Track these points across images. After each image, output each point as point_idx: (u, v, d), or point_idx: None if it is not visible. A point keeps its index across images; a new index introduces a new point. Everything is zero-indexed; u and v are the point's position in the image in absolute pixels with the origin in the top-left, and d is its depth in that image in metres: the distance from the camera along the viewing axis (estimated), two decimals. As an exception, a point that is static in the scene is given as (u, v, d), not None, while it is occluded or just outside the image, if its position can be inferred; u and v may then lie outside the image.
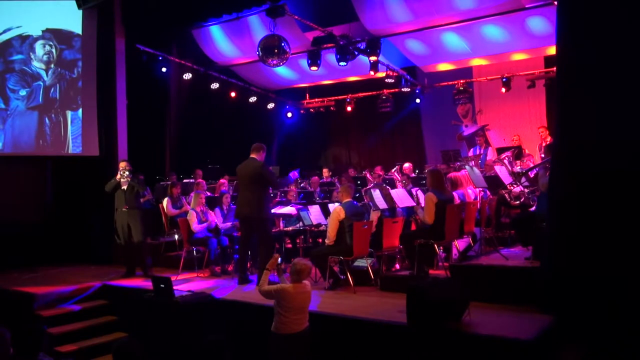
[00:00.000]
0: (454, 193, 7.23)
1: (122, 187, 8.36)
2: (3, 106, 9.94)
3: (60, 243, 10.04)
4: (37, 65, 10.03)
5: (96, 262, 9.65)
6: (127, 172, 8.21)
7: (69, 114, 10.24)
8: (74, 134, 10.22)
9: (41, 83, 10.04)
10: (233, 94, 13.28)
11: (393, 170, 10.36)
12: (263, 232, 7.26)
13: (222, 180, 10.66)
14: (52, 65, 10.14)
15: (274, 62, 9.29)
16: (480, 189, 7.47)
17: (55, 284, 7.92)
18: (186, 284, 7.66)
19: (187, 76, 12.08)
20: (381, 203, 7.49)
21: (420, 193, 7.64)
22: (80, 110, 10.28)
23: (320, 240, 8.62)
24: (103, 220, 9.87)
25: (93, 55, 10.25)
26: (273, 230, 8.12)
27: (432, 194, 6.74)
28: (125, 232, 8.34)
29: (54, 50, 10.09)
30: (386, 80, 12.28)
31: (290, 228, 8.77)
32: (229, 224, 8.79)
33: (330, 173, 12.78)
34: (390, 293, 6.54)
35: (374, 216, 7.53)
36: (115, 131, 10.18)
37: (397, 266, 7.46)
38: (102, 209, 9.92)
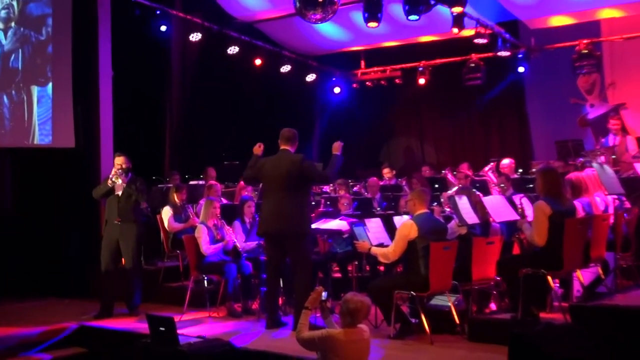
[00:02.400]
0: (575, 202, 7.14)
1: (117, 193, 8.59)
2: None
3: (23, 267, 10.18)
4: (-8, 23, 10.22)
5: (70, 294, 9.82)
6: (120, 178, 8.46)
7: (34, 90, 10.34)
8: (42, 118, 10.34)
9: None
10: (258, 62, 13.44)
11: (486, 168, 10.32)
12: (301, 255, 7.30)
13: (243, 184, 10.75)
14: (13, 24, 10.25)
15: (317, 16, 9.31)
16: (615, 196, 7.37)
17: (17, 323, 8.00)
18: (195, 326, 7.71)
19: (195, 37, 12.21)
20: (469, 215, 7.43)
21: (526, 202, 7.52)
22: (50, 85, 10.41)
23: (383, 268, 8.60)
24: (81, 237, 10.12)
25: (68, 9, 10.37)
26: (315, 252, 8.17)
27: (543, 204, 6.66)
28: (112, 252, 8.55)
29: (14, 3, 10.24)
30: (476, 40, 12.19)
31: (340, 250, 8.79)
32: (253, 244, 8.83)
33: (395, 172, 12.77)
34: (483, 345, 6.47)
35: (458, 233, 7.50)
36: (97, 114, 10.35)
37: (493, 306, 7.41)
38: (79, 221, 10.17)
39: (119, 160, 8.60)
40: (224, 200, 10.38)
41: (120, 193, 8.56)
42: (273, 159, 7.50)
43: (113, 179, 8.47)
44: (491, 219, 7.52)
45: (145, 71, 12.24)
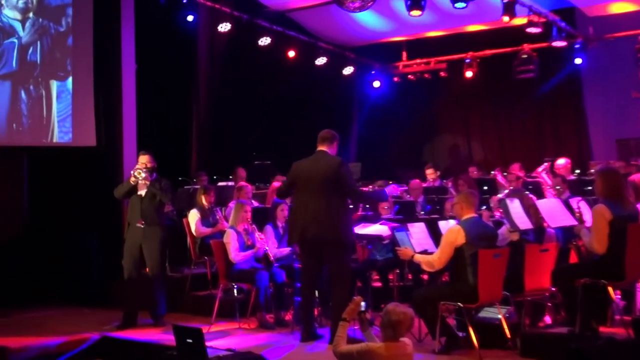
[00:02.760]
0: (638, 206, 7.06)
1: (139, 192, 8.63)
2: (-39, 75, 10.16)
3: (41, 273, 10.28)
4: (9, 14, 10.21)
5: (91, 302, 9.92)
6: (143, 172, 8.45)
7: (54, 85, 10.43)
8: (61, 115, 10.44)
9: (15, 40, 10.24)
10: (292, 54, 13.46)
11: (539, 169, 10.24)
12: (338, 263, 7.33)
13: (275, 184, 10.78)
14: (31, 15, 10.34)
15: (355, 4, 9.38)
16: (683, 199, 7.25)
17: (35, 333, 8.07)
18: (224, 338, 7.75)
19: (224, 27, 12.22)
20: (522, 220, 7.41)
21: (584, 205, 7.48)
22: (70, 79, 10.51)
23: (426, 277, 8.60)
24: (102, 241, 10.20)
25: (89, -1, 10.51)
26: (353, 260, 8.18)
27: (603, 207, 6.64)
28: (135, 258, 8.59)
29: (33, -8, 10.33)
30: (528, 30, 12.10)
31: (381, 257, 8.79)
32: (286, 251, 8.87)
33: (439, 173, 12.72)
34: (537, 361, 6.42)
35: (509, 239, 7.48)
36: (119, 110, 10.47)
37: (548, 319, 7.38)
38: (100, 224, 10.28)
39: (143, 159, 8.62)
40: (255, 203, 10.40)
41: (143, 193, 8.58)
42: (309, 160, 7.53)
43: (135, 174, 8.46)
44: (545, 224, 7.49)
45: (171, 64, 12.28)
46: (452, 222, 7.63)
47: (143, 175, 8.44)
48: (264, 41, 12.74)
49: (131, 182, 8.53)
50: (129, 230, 8.67)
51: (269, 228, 9.01)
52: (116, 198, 8.89)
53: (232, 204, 9.75)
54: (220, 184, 11.45)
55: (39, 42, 10.35)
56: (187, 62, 12.85)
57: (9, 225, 10.51)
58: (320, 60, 14.00)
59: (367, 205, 9.86)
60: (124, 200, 9.01)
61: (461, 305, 6.83)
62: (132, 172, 8.56)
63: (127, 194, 8.68)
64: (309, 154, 7.64)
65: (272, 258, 8.65)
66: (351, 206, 8.62)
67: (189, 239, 9.87)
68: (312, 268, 7.52)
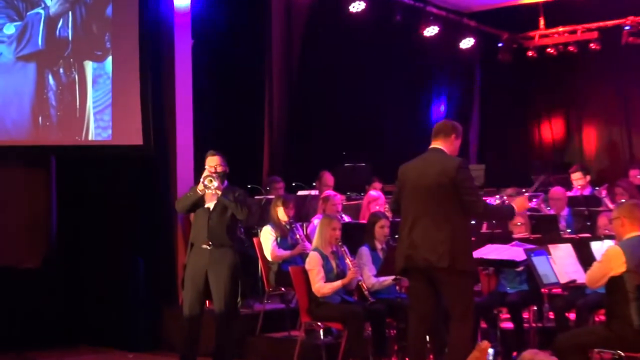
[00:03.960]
0: None
1: (207, 205, 8.54)
2: (-26, 57, 10.29)
3: (72, 306, 10.41)
4: (35, -21, 10.32)
5: (136, 345, 10.02)
6: (215, 180, 8.33)
7: (89, 67, 10.51)
8: (99, 105, 10.51)
9: (40, 11, 10.35)
10: (393, 22, 13.43)
11: None
12: (456, 296, 7.21)
13: (373, 193, 10.80)
14: None
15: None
16: None
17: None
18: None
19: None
20: None
21: None
22: (110, 60, 10.58)
23: (574, 316, 8.44)
24: (151, 266, 10.29)
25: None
26: (476, 293, 8.18)
27: None
28: (199, 288, 8.45)
29: (63, -49, 10.37)
30: None
31: (512, 290, 8.76)
32: (388, 280, 8.79)
33: (590, 178, 12.49)
34: None
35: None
36: (172, 99, 10.57)
37: None
38: (148, 245, 10.43)
39: (213, 161, 8.46)
40: (346, 218, 10.40)
41: (211, 206, 8.43)
42: (417, 161, 7.46)
43: (205, 183, 8.28)
44: None
45: (236, 39, 12.30)
46: (608, 242, 7.47)
47: (216, 184, 8.28)
48: (357, 6, 12.75)
49: (198, 191, 8.38)
50: (191, 253, 8.56)
51: (364, 251, 8.98)
52: (177, 211, 8.97)
53: (316, 219, 9.85)
54: (300, 193, 11.44)
55: (70, 13, 10.42)
56: (256, 35, 12.84)
57: (32, 245, 10.63)
58: (430, 31, 13.97)
59: (494, 222, 9.79)
60: (182, 215, 9.15)
61: (622, 354, 6.71)
62: (201, 180, 8.40)
63: (192, 207, 8.57)
64: (416, 153, 7.55)
65: (367, 290, 8.62)
66: (472, 222, 8.59)
67: (260, 265, 9.88)
68: (422, 303, 7.34)
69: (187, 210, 8.72)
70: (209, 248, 8.40)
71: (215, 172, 8.35)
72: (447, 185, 7.13)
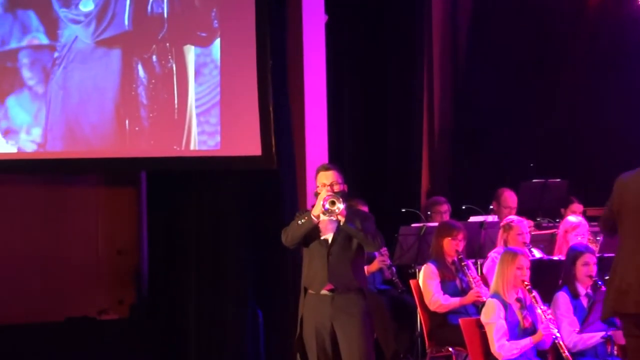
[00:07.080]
0: None
1: (323, 237, 7.67)
2: (45, 41, 9.66)
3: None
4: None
5: None
6: (339, 202, 7.57)
7: (190, 53, 10.03)
8: (203, 104, 10.03)
9: None
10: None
11: None
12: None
13: (572, 219, 9.95)
14: None
15: None
16: None
17: None
18: None
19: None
20: None
21: None
22: (218, 44, 10.05)
23: None
24: (268, 314, 9.99)
25: None
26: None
27: None
28: (322, 347, 7.60)
29: None
30: None
31: None
32: (596, 337, 7.97)
33: None
34: None
35: None
36: (300, 94, 10.18)
37: None
38: (264, 286, 10.08)
39: (328, 178, 7.62)
40: (537, 252, 9.57)
41: (330, 237, 7.55)
42: (637, 175, 6.77)
43: (327, 206, 7.45)
44: None
45: (381, 16, 11.77)
46: None
47: (341, 206, 7.48)
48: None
49: (313, 218, 7.49)
50: (306, 301, 7.76)
51: (562, 297, 8.21)
52: (285, 245, 7.87)
53: (494, 254, 9.24)
54: (473, 218, 10.67)
55: (164, -14, 10.00)
56: (411, 13, 12.16)
57: (116, 288, 10.41)
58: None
59: None
60: (297, 249, 8.19)
61: None
62: (320, 200, 7.60)
63: (304, 239, 7.66)
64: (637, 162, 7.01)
65: (567, 351, 7.79)
66: None
67: (420, 315, 9.31)
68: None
69: (299, 243, 7.78)
70: (330, 294, 7.67)
71: (333, 193, 7.63)
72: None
